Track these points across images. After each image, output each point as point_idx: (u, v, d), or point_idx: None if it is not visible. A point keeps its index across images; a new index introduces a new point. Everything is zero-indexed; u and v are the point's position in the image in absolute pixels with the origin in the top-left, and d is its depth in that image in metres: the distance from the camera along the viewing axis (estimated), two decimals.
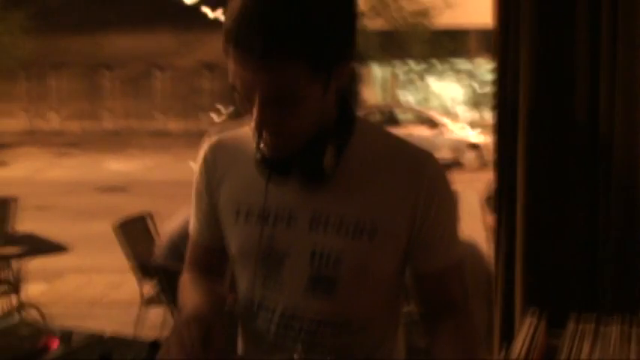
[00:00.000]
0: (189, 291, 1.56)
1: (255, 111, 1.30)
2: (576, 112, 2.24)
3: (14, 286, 5.42)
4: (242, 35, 1.24)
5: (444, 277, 1.50)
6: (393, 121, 17.49)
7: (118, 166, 16.25)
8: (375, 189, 1.43)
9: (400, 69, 24.88)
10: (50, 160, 17.57)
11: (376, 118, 17.64)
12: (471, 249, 3.50)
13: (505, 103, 2.35)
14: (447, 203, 1.48)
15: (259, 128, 1.32)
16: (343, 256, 1.43)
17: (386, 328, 1.57)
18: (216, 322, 1.36)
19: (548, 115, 2.26)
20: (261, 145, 1.38)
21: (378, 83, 25.53)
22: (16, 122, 23.13)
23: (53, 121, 23.32)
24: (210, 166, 1.56)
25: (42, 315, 5.38)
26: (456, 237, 1.52)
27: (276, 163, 1.39)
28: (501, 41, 2.34)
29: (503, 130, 2.37)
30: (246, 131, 1.45)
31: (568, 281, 2.27)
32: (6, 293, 5.46)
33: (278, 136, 1.35)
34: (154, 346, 1.36)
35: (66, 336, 1.50)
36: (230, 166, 1.53)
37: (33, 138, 21.37)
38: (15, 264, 5.46)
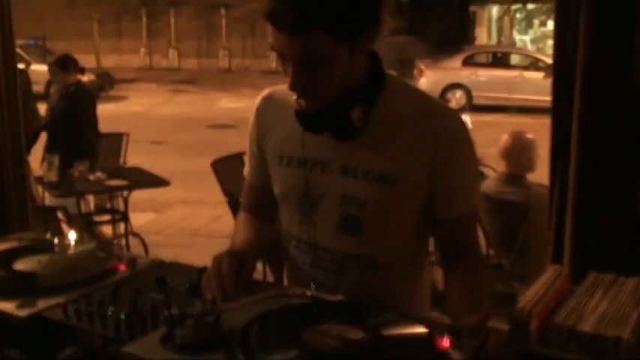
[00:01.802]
0: (238, 228, 1.83)
1: (289, 74, 1.52)
2: (633, 69, 2.26)
3: (123, 215, 5.84)
4: (274, 11, 1.46)
5: (459, 224, 1.68)
6: (505, 63, 17.04)
7: (230, 103, 16.63)
8: (400, 142, 1.61)
9: (517, 10, 24.05)
10: (166, 96, 18.19)
11: (486, 59, 17.25)
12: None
13: (563, 61, 2.39)
14: (464, 157, 1.65)
15: (292, 88, 1.53)
16: (369, 200, 1.63)
17: (409, 269, 1.75)
18: (251, 257, 1.62)
19: (604, 74, 2.29)
20: (298, 102, 1.59)
21: (493, 24, 24.82)
22: (136, 59, 23.98)
23: (171, 58, 24.03)
24: (261, 117, 1.79)
25: (144, 244, 5.80)
26: (472, 188, 1.70)
27: (311, 117, 1.60)
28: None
29: (560, 87, 2.42)
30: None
31: (612, 242, 2.33)
32: (115, 221, 5.91)
33: (309, 96, 1.56)
34: (201, 272, 1.57)
35: (131, 261, 1.73)
36: (277, 118, 1.75)
37: (151, 74, 22.12)
38: (122, 194, 5.87)
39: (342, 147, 1.63)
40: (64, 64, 5.95)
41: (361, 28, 1.51)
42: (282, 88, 1.73)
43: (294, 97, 1.59)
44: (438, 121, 1.62)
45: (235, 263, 1.53)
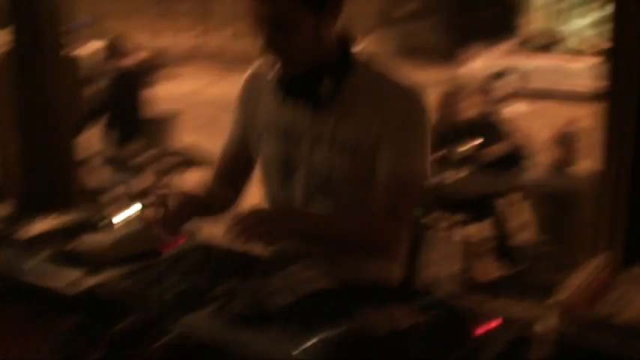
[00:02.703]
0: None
1: (262, 35, 1.71)
2: None
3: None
4: None
5: (390, 189, 1.78)
6: (558, 49, 16.68)
7: None
8: (363, 115, 1.77)
9: None
10: (220, 76, 18.28)
11: (539, 45, 16.88)
12: None
13: (621, 46, 2.35)
14: (410, 127, 1.78)
15: (265, 46, 1.72)
16: (334, 168, 1.80)
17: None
18: (195, 202, 1.93)
19: None
20: (275, 69, 1.77)
21: (545, 8, 24.28)
22: (185, 38, 24.13)
23: (221, 38, 24.10)
24: (245, 94, 1.98)
25: (166, 205, 5.83)
26: (411, 158, 1.79)
27: (286, 85, 1.79)
28: None
29: (618, 73, 2.38)
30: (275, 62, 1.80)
31: None
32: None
33: (280, 56, 1.73)
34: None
35: (183, 238, 1.78)
36: (260, 94, 1.93)
37: (206, 54, 22.23)
38: (177, 173, 5.95)
39: (314, 118, 1.81)
40: (117, 47, 6.05)
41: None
42: (263, 66, 1.90)
43: (276, 68, 1.77)
44: (395, 94, 1.78)
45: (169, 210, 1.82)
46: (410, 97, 1.79)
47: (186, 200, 1.94)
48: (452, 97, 5.28)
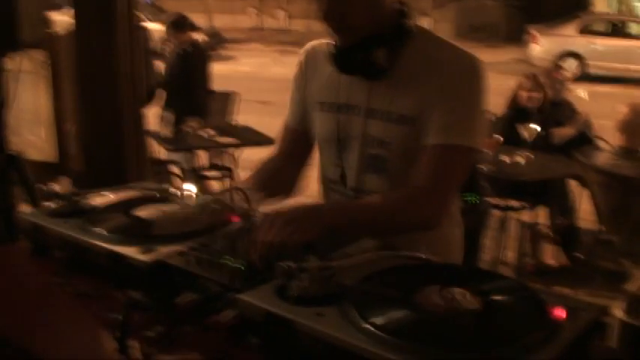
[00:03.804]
0: (262, 164, 2.03)
1: (321, 8, 1.69)
2: None
3: (230, 172, 5.98)
4: None
5: (434, 154, 1.72)
6: (623, 33, 16.25)
7: None
8: (422, 85, 1.73)
9: None
10: (275, 57, 18.37)
11: (604, 27, 16.47)
12: None
13: None
14: (465, 93, 1.73)
15: (325, 18, 1.70)
16: (390, 140, 1.77)
17: None
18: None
19: None
20: (332, 42, 1.77)
21: None
22: (245, 19, 24.28)
23: (280, 19, 24.19)
24: (304, 67, 1.98)
25: (247, 198, 5.91)
26: (463, 125, 1.73)
27: (342, 56, 1.77)
28: None
29: None
30: (332, 38, 1.80)
31: None
32: (222, 178, 6.05)
33: (339, 27, 1.73)
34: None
35: (245, 214, 1.78)
36: (318, 67, 1.92)
37: (260, 35, 22.37)
38: (231, 152, 6.00)
39: (369, 90, 1.79)
40: (180, 25, 6.11)
41: None
42: (324, 41, 1.90)
43: (332, 43, 1.78)
44: (450, 60, 1.74)
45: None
46: (465, 63, 1.74)
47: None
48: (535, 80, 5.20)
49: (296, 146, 2.04)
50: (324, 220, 1.59)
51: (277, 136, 2.10)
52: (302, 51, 2.00)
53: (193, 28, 6.16)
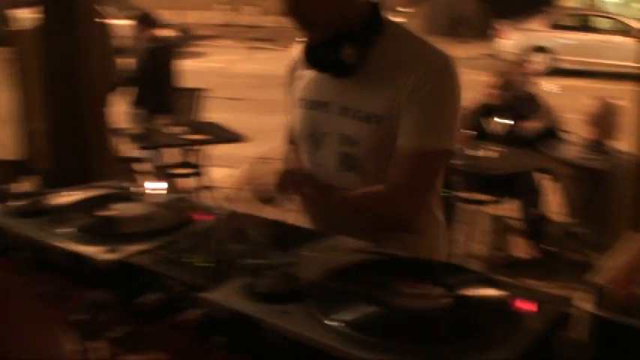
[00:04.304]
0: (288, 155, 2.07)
1: (284, 5, 1.69)
2: None
3: (199, 169, 5.95)
4: None
5: (409, 158, 1.71)
6: (592, 27, 16.42)
7: None
8: (391, 83, 1.70)
9: None
10: (245, 53, 18.31)
11: (572, 22, 16.64)
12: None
13: None
14: (438, 94, 1.69)
15: (288, 13, 1.69)
16: (360, 138, 1.74)
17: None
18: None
19: None
20: (303, 41, 1.76)
21: None
22: (216, 15, 24.15)
23: (251, 15, 24.10)
24: (290, 69, 1.99)
25: (220, 197, 5.89)
26: (437, 128, 1.71)
27: (311, 52, 1.75)
28: None
29: None
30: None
31: None
32: (192, 175, 6.02)
33: (305, 26, 1.71)
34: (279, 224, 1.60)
35: (212, 212, 1.76)
36: (297, 67, 1.93)
37: (229, 31, 22.26)
38: (201, 149, 5.97)
39: (341, 87, 1.77)
40: (147, 21, 6.06)
41: None
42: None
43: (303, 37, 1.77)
44: (425, 61, 1.69)
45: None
46: (436, 61, 1.71)
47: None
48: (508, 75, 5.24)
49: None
50: (320, 197, 1.80)
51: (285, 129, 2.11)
52: (293, 49, 1.98)
53: (161, 24, 6.11)
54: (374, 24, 1.74)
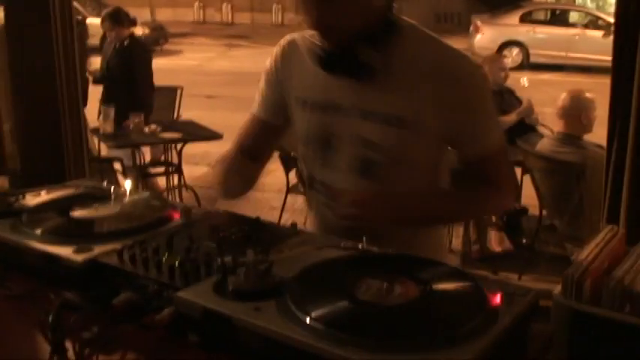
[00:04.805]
0: (232, 166, 1.91)
1: (310, 10, 1.60)
2: None
3: (175, 168, 5.92)
4: None
5: (482, 164, 1.72)
6: (564, 21, 16.58)
7: None
8: (415, 86, 1.65)
9: None
10: (220, 51, 18.25)
11: (545, 16, 16.79)
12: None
13: (625, 18, 2.31)
14: (479, 100, 1.70)
15: (315, 27, 1.62)
16: (383, 142, 1.69)
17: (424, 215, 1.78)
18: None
19: None
20: (320, 43, 1.66)
21: None
22: (190, 12, 24.05)
23: (225, 12, 24.03)
24: (283, 61, 1.86)
25: (197, 196, 5.88)
26: (491, 129, 1.73)
27: (331, 60, 1.66)
28: None
29: (621, 45, 2.35)
30: (313, 33, 1.69)
31: None
32: (169, 174, 6.00)
33: (330, 34, 1.63)
34: (256, 221, 1.60)
35: (185, 210, 1.75)
36: (299, 62, 1.81)
37: (205, 28, 22.19)
38: (177, 147, 5.94)
39: (360, 90, 1.69)
40: (118, 18, 6.00)
41: None
42: (301, 34, 1.82)
43: (316, 41, 1.67)
44: (452, 67, 1.66)
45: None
46: (468, 68, 1.69)
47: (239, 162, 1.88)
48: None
49: (262, 139, 1.95)
50: (405, 210, 1.70)
51: (241, 128, 1.99)
52: (280, 44, 1.89)
53: (131, 21, 6.06)
54: (390, 25, 1.68)
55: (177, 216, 1.73)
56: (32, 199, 1.83)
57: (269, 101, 1.91)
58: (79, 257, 1.45)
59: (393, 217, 1.67)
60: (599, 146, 3.91)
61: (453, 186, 1.83)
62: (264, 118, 1.93)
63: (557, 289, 1.35)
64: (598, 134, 3.70)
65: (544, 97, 6.20)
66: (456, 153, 1.74)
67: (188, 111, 6.94)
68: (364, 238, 1.52)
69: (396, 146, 1.69)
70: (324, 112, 1.76)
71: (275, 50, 1.89)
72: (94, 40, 9.21)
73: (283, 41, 1.88)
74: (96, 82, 6.20)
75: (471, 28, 16.49)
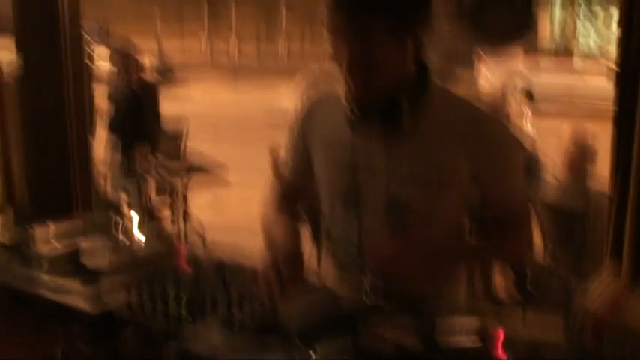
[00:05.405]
0: (278, 228, 1.84)
1: (345, 55, 1.59)
2: None
3: (182, 198, 5.94)
4: (334, 2, 1.55)
5: (508, 217, 1.74)
6: (567, 65, 16.67)
7: (288, 89, 16.68)
8: (445, 148, 1.66)
9: (581, 11, 23.37)
10: (225, 81, 18.36)
11: (547, 61, 16.87)
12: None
13: (627, 63, 2.34)
14: (508, 163, 1.72)
15: (347, 69, 1.60)
16: (414, 203, 1.68)
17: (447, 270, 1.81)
18: (302, 259, 1.67)
19: None
20: (349, 95, 1.64)
21: (556, 25, 24.23)
22: (196, 43, 24.23)
23: (231, 42, 24.21)
24: (307, 122, 1.85)
25: (201, 226, 5.89)
26: (518, 188, 1.76)
27: (363, 116, 1.66)
28: None
29: (623, 89, 2.37)
30: (337, 92, 1.69)
31: None
32: (173, 204, 6.01)
33: (362, 79, 1.61)
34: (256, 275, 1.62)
35: (192, 255, 1.76)
36: (323, 123, 1.81)
37: (211, 58, 22.33)
38: (181, 178, 5.96)
39: (390, 151, 1.69)
40: (127, 59, 6.05)
41: (415, 15, 1.59)
42: (326, 93, 1.84)
43: (343, 101, 1.66)
44: (481, 127, 1.68)
45: (292, 267, 1.60)
46: (495, 128, 1.73)
47: (296, 266, 1.65)
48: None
49: (292, 200, 1.97)
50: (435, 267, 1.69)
51: (274, 186, 2.00)
52: (304, 104, 1.89)
53: (141, 67, 6.12)
54: (424, 86, 1.69)
55: (184, 262, 1.74)
56: (39, 234, 1.85)
57: (298, 163, 1.91)
58: (91, 308, 1.47)
59: (421, 275, 1.65)
60: (603, 192, 3.92)
61: (474, 234, 1.83)
62: (293, 181, 1.94)
63: (560, 324, 1.36)
64: (602, 181, 3.71)
65: (548, 143, 6.21)
66: (481, 206, 1.74)
67: (194, 142, 6.98)
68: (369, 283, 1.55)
69: (425, 206, 1.69)
70: (351, 172, 1.75)
71: (298, 111, 1.89)
72: (102, 75, 9.30)
73: (307, 102, 1.88)
74: (110, 130, 6.20)
75: (475, 70, 16.58)
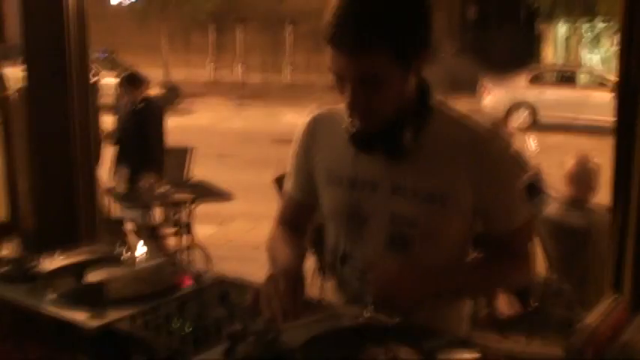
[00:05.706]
0: (281, 243, 1.87)
1: (347, 94, 1.60)
2: None
3: (186, 228, 5.97)
4: (334, 33, 1.55)
5: (510, 237, 1.76)
6: (572, 83, 16.73)
7: (294, 118, 16.75)
8: (447, 164, 1.69)
9: (586, 29, 23.56)
10: (232, 110, 18.44)
11: (553, 78, 16.95)
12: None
13: (626, 80, 2.35)
14: (508, 179, 1.74)
15: (350, 108, 1.62)
16: (419, 219, 1.70)
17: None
18: (303, 275, 1.68)
19: None
20: (352, 123, 1.67)
21: (560, 42, 24.41)
22: (203, 72, 24.39)
23: (237, 72, 24.36)
24: (311, 137, 1.87)
25: (207, 256, 5.91)
26: (519, 207, 1.76)
27: (364, 139, 1.68)
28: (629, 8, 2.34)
29: (624, 107, 2.38)
30: (341, 108, 1.70)
31: None
32: (178, 234, 6.03)
33: (365, 116, 1.64)
34: (256, 292, 1.63)
35: (197, 276, 1.79)
36: (327, 138, 1.83)
37: (217, 88, 22.44)
38: (187, 207, 6.00)
39: (392, 168, 1.71)
40: (133, 81, 6.14)
41: (417, 49, 1.59)
42: (328, 110, 1.86)
43: (347, 118, 1.68)
44: (482, 145, 1.70)
45: (292, 283, 1.60)
46: (497, 145, 1.74)
47: (296, 284, 1.64)
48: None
49: (299, 218, 1.98)
50: (428, 287, 1.69)
51: (280, 205, 2.01)
52: (308, 120, 1.89)
53: (146, 83, 6.19)
54: (425, 106, 1.71)
55: (188, 281, 1.77)
56: (47, 264, 1.87)
57: (301, 180, 1.92)
58: (93, 323, 1.48)
59: (421, 293, 1.67)
60: (607, 210, 3.93)
61: (476, 254, 1.85)
62: (296, 198, 1.95)
63: (561, 355, 1.37)
64: (604, 198, 3.72)
65: (552, 160, 6.23)
66: (483, 225, 1.76)
67: (200, 170, 7.02)
68: (370, 306, 1.56)
69: (428, 222, 1.70)
70: (353, 188, 1.76)
71: (301, 128, 1.90)
72: (107, 99, 9.39)
73: (310, 118, 1.89)
74: (115, 144, 6.27)
75: (480, 89, 16.65)
